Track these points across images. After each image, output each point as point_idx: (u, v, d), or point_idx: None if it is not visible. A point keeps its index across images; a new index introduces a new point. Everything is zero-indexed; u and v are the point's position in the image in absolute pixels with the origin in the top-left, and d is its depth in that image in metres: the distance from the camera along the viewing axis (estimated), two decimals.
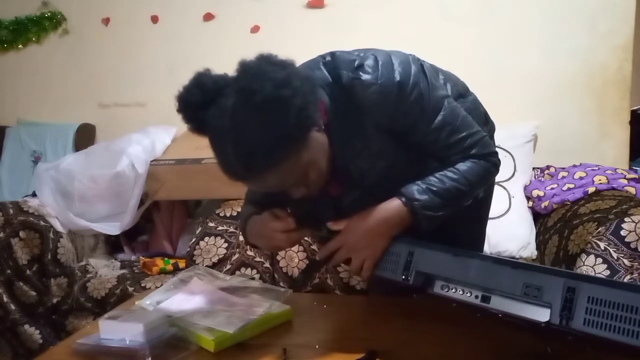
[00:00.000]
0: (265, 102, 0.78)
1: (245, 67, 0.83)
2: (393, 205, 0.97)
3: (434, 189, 0.96)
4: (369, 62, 0.92)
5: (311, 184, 0.92)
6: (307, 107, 0.82)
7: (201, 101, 0.84)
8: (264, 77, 0.79)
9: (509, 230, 1.79)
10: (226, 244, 1.82)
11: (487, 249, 1.74)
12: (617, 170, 1.78)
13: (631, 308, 0.63)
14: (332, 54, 0.97)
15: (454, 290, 0.86)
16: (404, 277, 0.92)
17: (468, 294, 0.83)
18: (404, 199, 0.96)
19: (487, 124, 1.18)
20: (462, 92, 1.13)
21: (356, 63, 0.92)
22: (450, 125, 0.97)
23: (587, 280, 0.70)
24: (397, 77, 0.92)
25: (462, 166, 0.98)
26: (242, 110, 0.80)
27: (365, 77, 0.91)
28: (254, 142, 0.80)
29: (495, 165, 1.04)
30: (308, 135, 0.85)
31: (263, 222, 1.04)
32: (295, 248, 1.72)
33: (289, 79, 0.80)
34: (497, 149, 1.06)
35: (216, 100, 0.83)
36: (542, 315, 0.71)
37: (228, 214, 1.90)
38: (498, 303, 0.79)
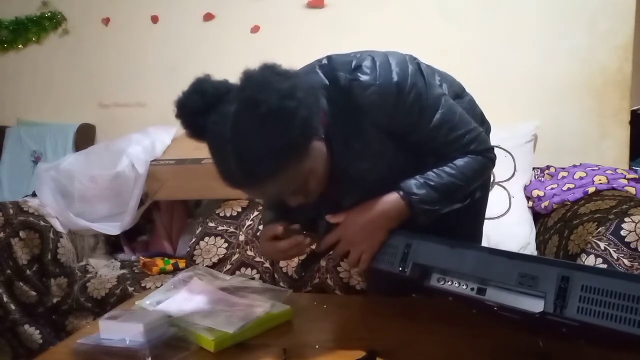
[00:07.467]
0: (269, 113, 0.78)
1: (250, 77, 0.83)
2: (391, 198, 0.97)
3: (432, 183, 0.97)
4: (367, 63, 0.92)
5: (309, 192, 0.92)
6: (311, 118, 0.82)
7: (201, 107, 0.84)
8: (269, 87, 0.79)
9: (509, 230, 1.78)
10: (226, 244, 1.82)
11: None
12: (617, 170, 1.78)
13: (623, 296, 0.65)
14: (329, 57, 0.98)
15: (450, 282, 0.86)
16: (400, 268, 0.92)
17: (464, 286, 0.83)
18: (402, 193, 0.97)
19: (483, 125, 1.18)
20: (459, 93, 1.13)
21: (353, 64, 0.92)
22: (449, 123, 0.98)
23: (581, 270, 0.71)
24: (395, 78, 0.91)
25: (460, 162, 0.99)
26: (245, 119, 0.80)
27: (363, 78, 0.91)
28: (256, 152, 0.80)
29: (491, 161, 1.05)
30: (310, 145, 0.86)
31: (261, 235, 1.05)
32: None
33: (293, 90, 0.80)
34: (496, 148, 1.06)
35: (217, 106, 0.83)
36: (536, 306, 0.72)
37: (228, 214, 1.90)
38: (493, 295, 0.79)
